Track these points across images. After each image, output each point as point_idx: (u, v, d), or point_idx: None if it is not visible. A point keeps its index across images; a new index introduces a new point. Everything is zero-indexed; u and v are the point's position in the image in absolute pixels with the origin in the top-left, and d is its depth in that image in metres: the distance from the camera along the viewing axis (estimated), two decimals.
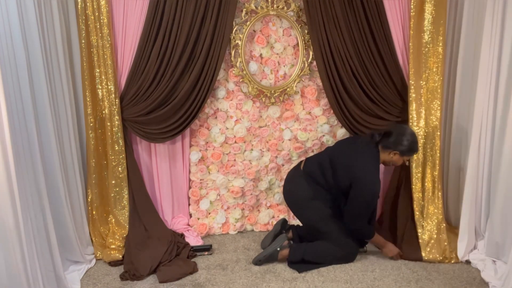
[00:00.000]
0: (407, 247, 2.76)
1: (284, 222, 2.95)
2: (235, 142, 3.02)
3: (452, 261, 2.68)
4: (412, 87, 2.78)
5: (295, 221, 3.14)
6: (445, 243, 2.74)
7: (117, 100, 2.71)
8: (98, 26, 2.60)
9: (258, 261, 2.66)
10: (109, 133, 2.74)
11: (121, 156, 2.79)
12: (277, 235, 2.84)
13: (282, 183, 3.13)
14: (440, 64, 2.75)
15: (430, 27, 2.70)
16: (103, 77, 2.67)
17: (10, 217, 1.82)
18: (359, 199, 2.49)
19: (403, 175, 2.94)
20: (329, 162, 2.62)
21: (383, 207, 3.07)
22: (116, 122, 2.74)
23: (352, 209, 2.53)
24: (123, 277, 2.53)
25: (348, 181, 2.50)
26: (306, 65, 2.92)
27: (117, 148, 2.77)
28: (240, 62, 2.84)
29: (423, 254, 2.70)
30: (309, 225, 2.74)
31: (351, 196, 2.51)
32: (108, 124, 2.73)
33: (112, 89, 2.69)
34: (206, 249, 2.80)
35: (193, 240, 2.90)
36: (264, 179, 3.12)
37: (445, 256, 2.69)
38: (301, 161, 2.81)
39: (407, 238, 2.80)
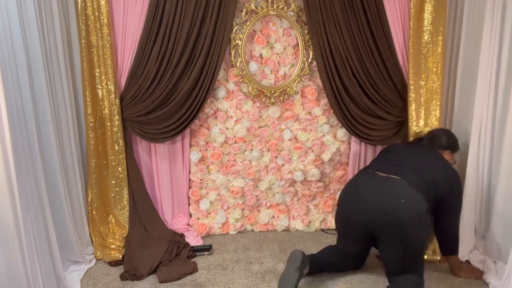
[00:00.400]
0: None
1: (303, 255, 2.30)
2: (235, 142, 3.02)
3: None
4: (412, 87, 2.78)
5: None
6: None
7: (117, 100, 2.71)
8: (98, 26, 2.60)
9: None
10: (109, 133, 2.74)
11: (121, 156, 2.79)
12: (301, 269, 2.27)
13: (282, 183, 3.14)
14: (440, 64, 2.75)
15: (430, 27, 2.70)
16: (103, 77, 2.67)
17: (10, 217, 1.81)
18: (460, 199, 2.49)
19: None
20: (423, 170, 2.35)
21: None
22: (116, 122, 2.74)
23: (456, 211, 2.47)
24: (123, 277, 2.53)
25: (448, 185, 2.37)
26: (306, 65, 2.92)
27: (117, 148, 2.77)
28: (240, 62, 2.84)
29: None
30: (411, 250, 2.20)
31: (450, 200, 2.40)
32: (108, 124, 2.73)
33: (112, 89, 2.69)
34: (206, 249, 2.80)
35: (193, 240, 2.90)
36: (264, 179, 3.12)
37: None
38: (367, 169, 2.50)
39: None
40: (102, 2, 2.57)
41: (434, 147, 2.58)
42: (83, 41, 2.62)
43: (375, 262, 2.66)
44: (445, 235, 2.50)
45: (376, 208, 2.20)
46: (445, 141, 2.60)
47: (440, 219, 2.41)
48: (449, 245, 2.52)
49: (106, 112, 2.71)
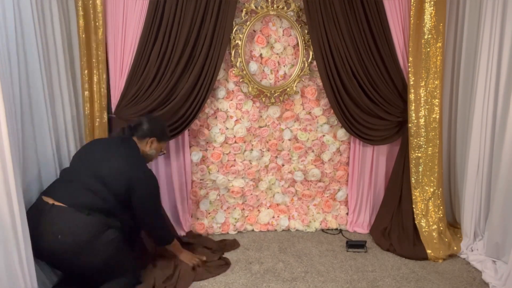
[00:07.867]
0: (408, 246, 2.76)
1: None
2: (235, 142, 3.02)
3: (453, 260, 2.68)
4: (412, 87, 2.78)
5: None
6: (445, 243, 2.74)
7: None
8: (97, 26, 2.60)
9: None
10: (108, 133, 2.74)
11: None
12: None
13: (282, 183, 3.14)
14: (440, 64, 2.75)
15: (430, 27, 2.70)
16: (102, 77, 2.67)
17: (7, 217, 1.81)
18: (149, 193, 2.35)
19: (404, 167, 2.93)
20: (101, 170, 2.22)
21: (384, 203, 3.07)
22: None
23: (147, 205, 2.37)
24: None
25: (126, 182, 2.23)
26: (306, 65, 2.92)
27: None
28: (240, 62, 2.84)
29: (423, 253, 2.70)
30: (98, 270, 2.17)
31: (138, 195, 2.28)
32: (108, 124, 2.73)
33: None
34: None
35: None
36: (264, 179, 3.12)
37: (446, 255, 2.69)
38: (42, 193, 2.21)
39: (408, 237, 2.81)
40: (102, 2, 2.57)
41: (136, 136, 2.44)
42: (83, 41, 2.62)
43: (370, 259, 2.67)
44: (149, 229, 2.47)
45: (50, 247, 2.07)
46: (147, 128, 2.45)
47: (137, 215, 2.32)
48: (158, 237, 2.50)
49: (106, 112, 2.71)
